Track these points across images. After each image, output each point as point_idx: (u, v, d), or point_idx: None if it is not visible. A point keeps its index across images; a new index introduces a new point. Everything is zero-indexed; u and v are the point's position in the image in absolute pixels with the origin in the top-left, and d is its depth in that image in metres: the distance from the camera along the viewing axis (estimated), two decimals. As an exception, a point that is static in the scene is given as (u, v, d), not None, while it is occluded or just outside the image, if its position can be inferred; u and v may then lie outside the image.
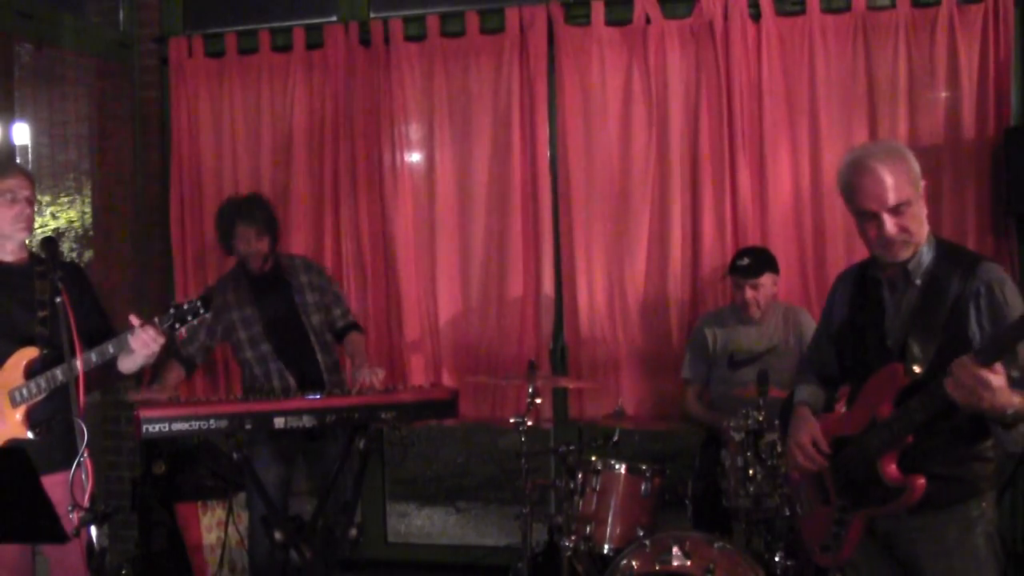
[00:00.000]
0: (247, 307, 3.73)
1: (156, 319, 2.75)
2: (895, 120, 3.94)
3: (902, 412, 2.18)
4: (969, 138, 3.87)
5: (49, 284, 2.80)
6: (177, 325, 2.75)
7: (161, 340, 2.76)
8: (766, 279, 3.67)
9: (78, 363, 2.51)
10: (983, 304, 2.17)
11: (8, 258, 2.89)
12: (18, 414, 2.76)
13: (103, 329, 2.98)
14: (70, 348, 2.50)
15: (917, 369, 2.16)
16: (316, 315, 3.78)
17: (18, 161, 4.23)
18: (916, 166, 2.24)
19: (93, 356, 2.73)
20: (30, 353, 2.80)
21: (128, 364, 2.88)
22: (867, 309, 2.40)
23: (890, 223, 2.22)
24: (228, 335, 3.76)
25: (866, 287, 2.42)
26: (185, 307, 2.75)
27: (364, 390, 3.44)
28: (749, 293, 3.66)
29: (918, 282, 2.27)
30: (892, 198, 2.20)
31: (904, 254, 2.26)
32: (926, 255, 2.28)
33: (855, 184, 2.25)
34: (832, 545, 2.41)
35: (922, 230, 2.24)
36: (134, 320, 2.75)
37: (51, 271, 2.61)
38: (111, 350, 2.76)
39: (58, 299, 2.54)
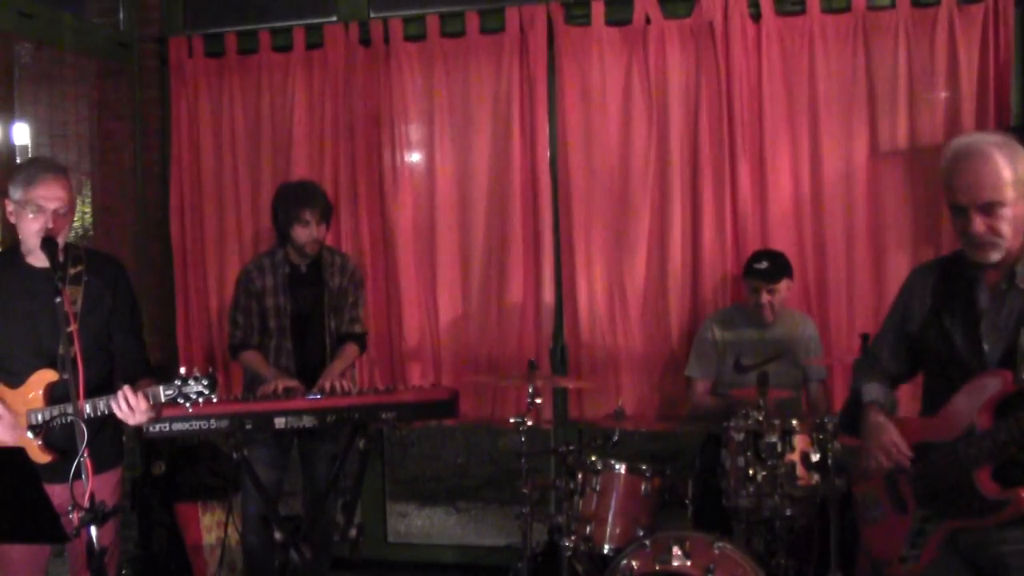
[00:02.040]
0: (282, 296, 3.71)
1: (154, 389, 2.61)
2: (895, 120, 3.94)
3: (1012, 424, 2.06)
4: (969, 138, 3.87)
5: (80, 289, 2.74)
6: (180, 400, 2.60)
7: (144, 411, 2.60)
8: (783, 285, 3.67)
9: (78, 362, 2.49)
10: None
11: (37, 263, 2.76)
12: (37, 439, 2.70)
13: (131, 349, 2.89)
14: (67, 347, 2.49)
15: None
16: (335, 319, 3.79)
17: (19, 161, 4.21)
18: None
19: (87, 407, 2.61)
20: (50, 376, 2.73)
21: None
22: (957, 310, 2.25)
23: (977, 221, 2.11)
24: (260, 318, 3.74)
25: (954, 286, 2.28)
26: (191, 383, 2.58)
27: (349, 391, 3.45)
28: (765, 297, 3.65)
29: (1023, 285, 2.16)
30: (985, 195, 2.09)
31: (991, 256, 2.14)
32: None
33: (953, 172, 2.15)
34: (910, 555, 2.28)
35: (1016, 235, 2.12)
36: (124, 390, 2.60)
37: (53, 272, 2.58)
38: (102, 407, 2.64)
39: (57, 299, 2.51)
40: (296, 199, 3.67)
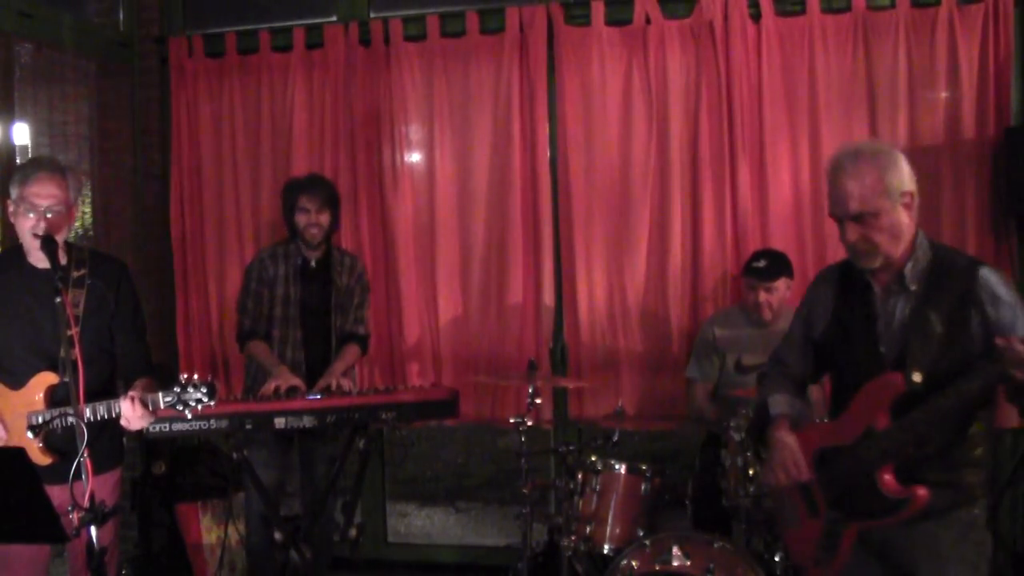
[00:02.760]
0: (292, 286, 3.73)
1: (153, 396, 2.62)
2: (895, 120, 3.94)
3: (905, 424, 2.13)
4: (969, 138, 3.87)
5: (83, 292, 2.74)
6: (179, 408, 2.61)
7: (144, 418, 2.64)
8: (781, 283, 3.66)
9: (78, 360, 2.50)
10: (988, 311, 2.12)
11: (39, 263, 2.76)
12: (37, 440, 2.70)
13: (133, 351, 2.89)
14: (68, 347, 2.48)
15: (917, 378, 2.11)
16: (340, 318, 3.79)
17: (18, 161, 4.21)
18: (900, 175, 2.17)
19: (87, 411, 2.61)
20: (50, 379, 2.73)
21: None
22: (855, 313, 2.31)
23: (851, 231, 2.19)
24: (269, 306, 3.73)
25: (852, 289, 2.34)
26: (190, 391, 2.59)
27: (350, 391, 3.46)
28: (762, 296, 3.65)
29: (913, 287, 2.21)
30: (853, 207, 2.16)
31: (869, 263, 2.22)
32: (921, 260, 2.22)
33: (829, 185, 2.23)
34: (824, 558, 2.34)
35: (894, 242, 2.18)
36: (126, 400, 2.63)
37: (54, 272, 2.58)
38: (102, 412, 2.65)
39: (57, 299, 2.52)
40: (296, 187, 3.74)
